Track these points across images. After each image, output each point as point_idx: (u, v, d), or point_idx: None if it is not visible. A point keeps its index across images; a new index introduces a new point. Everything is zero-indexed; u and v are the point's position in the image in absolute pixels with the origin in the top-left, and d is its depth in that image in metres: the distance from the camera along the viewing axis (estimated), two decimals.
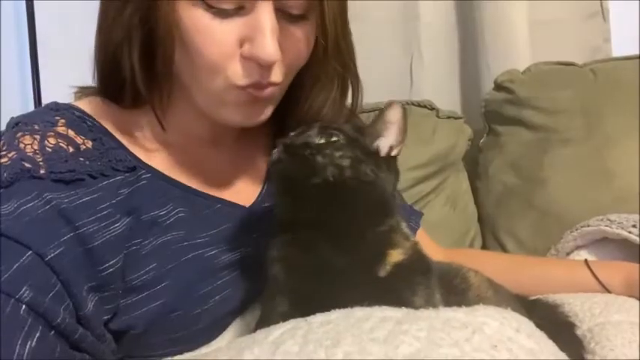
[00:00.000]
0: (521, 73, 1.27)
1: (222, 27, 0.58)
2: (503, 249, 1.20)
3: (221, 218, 0.67)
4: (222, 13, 0.58)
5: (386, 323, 0.41)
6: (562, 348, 0.48)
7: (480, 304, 0.46)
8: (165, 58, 0.60)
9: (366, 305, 0.47)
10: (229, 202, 0.70)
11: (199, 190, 0.68)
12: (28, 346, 0.47)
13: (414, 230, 0.86)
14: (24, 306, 0.48)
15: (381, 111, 0.61)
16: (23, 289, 0.49)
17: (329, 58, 0.66)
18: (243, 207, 0.71)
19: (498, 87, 1.27)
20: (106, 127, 0.64)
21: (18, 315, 0.48)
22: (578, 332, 0.68)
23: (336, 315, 0.45)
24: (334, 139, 0.59)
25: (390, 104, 0.61)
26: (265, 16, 0.58)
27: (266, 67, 0.60)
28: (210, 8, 0.58)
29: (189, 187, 0.67)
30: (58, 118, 0.61)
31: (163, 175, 0.65)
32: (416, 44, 1.38)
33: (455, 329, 0.40)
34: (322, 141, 0.59)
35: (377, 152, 0.61)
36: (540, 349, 0.43)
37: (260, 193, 0.74)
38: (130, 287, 0.58)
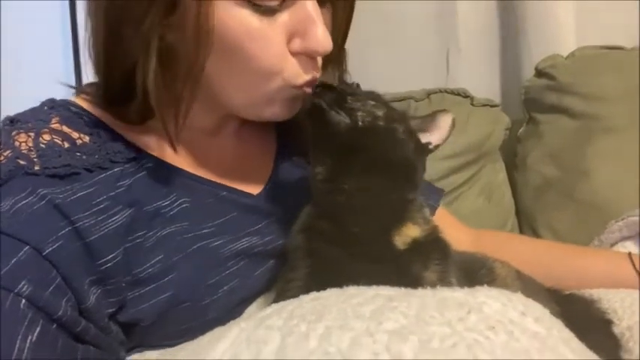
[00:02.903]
0: (564, 59, 1.20)
1: (271, 26, 0.56)
2: None
3: (226, 206, 0.65)
4: (268, 11, 0.56)
5: (376, 299, 0.39)
6: (596, 345, 0.44)
7: None
8: (194, 68, 0.56)
9: (380, 276, 0.46)
10: (235, 189, 0.67)
11: (203, 177, 0.66)
12: (28, 341, 0.47)
13: (434, 209, 0.82)
14: (24, 300, 0.48)
15: (433, 113, 0.62)
16: (22, 284, 0.48)
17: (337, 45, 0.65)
18: (249, 195, 0.68)
19: (539, 73, 1.21)
20: (104, 120, 0.62)
21: (18, 309, 0.48)
22: (616, 330, 0.63)
23: (328, 292, 0.43)
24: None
25: (444, 112, 0.62)
26: (311, 5, 0.57)
27: (315, 60, 0.59)
28: (258, 8, 0.55)
29: (193, 175, 0.65)
30: (52, 115, 0.61)
31: (165, 162, 0.63)
32: (453, 28, 1.32)
33: (449, 308, 0.37)
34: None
35: (414, 132, 0.60)
36: (549, 334, 0.39)
37: (268, 180, 0.71)
38: (137, 280, 0.57)
